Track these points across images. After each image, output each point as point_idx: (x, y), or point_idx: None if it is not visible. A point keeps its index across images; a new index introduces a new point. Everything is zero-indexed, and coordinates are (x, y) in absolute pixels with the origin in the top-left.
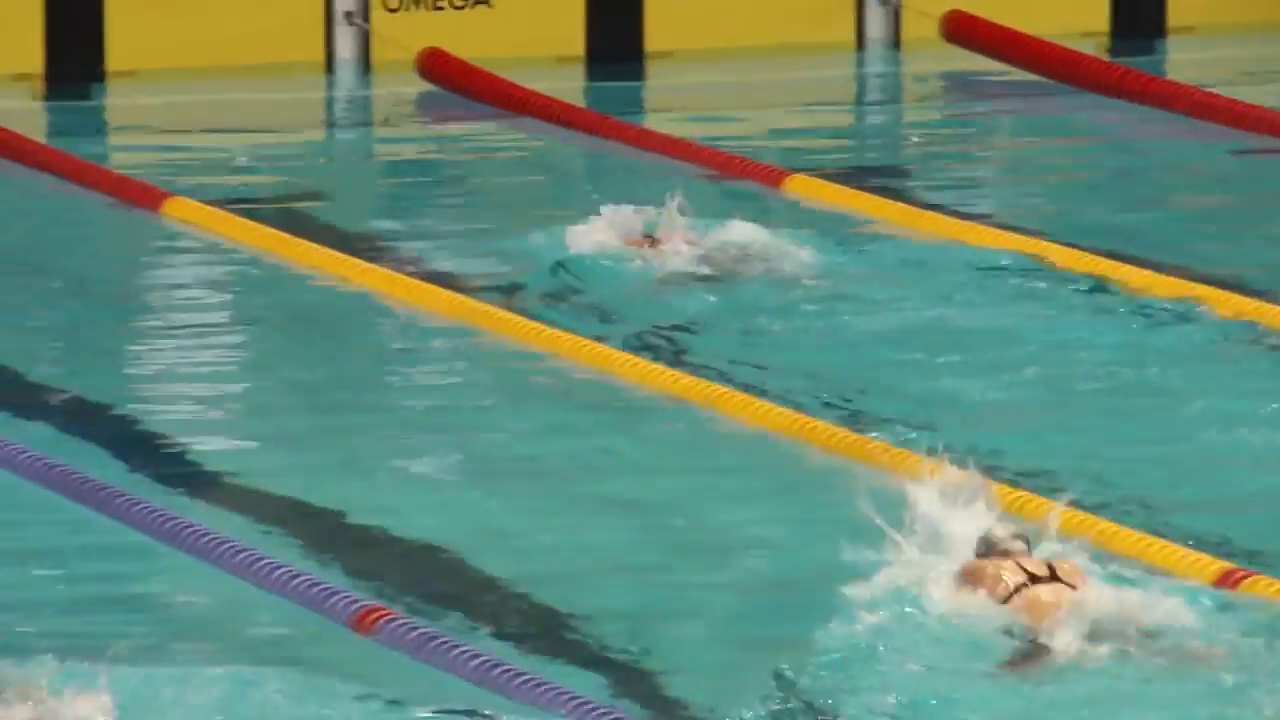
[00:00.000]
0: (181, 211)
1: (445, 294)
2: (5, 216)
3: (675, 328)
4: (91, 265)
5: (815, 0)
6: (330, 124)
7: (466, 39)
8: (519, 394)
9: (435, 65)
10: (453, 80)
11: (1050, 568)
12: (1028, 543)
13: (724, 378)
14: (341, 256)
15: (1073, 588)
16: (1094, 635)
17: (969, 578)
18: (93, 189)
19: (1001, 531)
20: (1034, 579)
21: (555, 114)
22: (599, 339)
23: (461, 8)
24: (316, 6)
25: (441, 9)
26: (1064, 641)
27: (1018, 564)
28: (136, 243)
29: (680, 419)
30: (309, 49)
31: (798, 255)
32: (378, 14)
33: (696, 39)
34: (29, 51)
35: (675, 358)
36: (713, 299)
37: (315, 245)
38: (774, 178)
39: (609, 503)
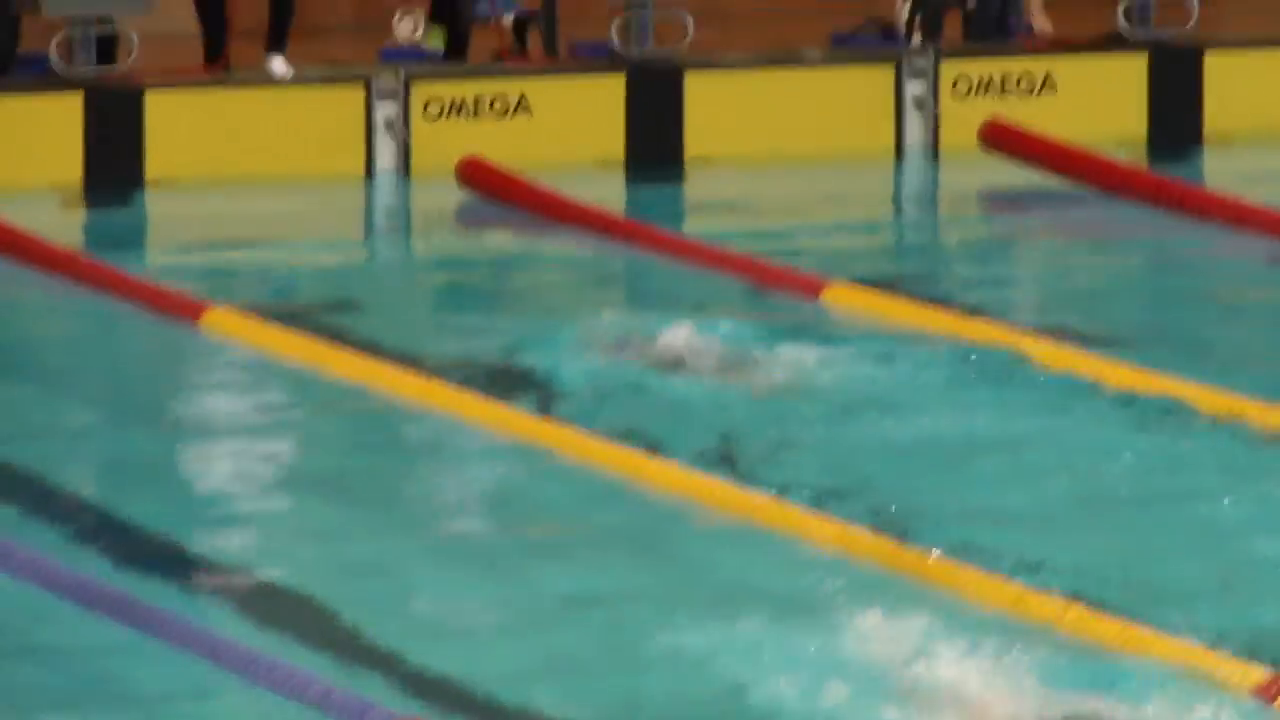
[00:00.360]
0: (221, 322)
1: (484, 403)
2: (43, 328)
3: (707, 434)
4: (129, 377)
5: (855, 107)
6: (370, 232)
7: (506, 146)
8: (551, 503)
9: (474, 173)
10: (492, 188)
11: None
12: None
13: (756, 483)
14: (380, 365)
15: None
16: None
17: None
18: (131, 300)
19: None
20: None
21: (595, 221)
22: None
23: (501, 116)
24: (358, 116)
25: (481, 117)
26: None
27: None
28: (175, 354)
29: (722, 530)
30: (350, 158)
31: (830, 364)
32: (417, 123)
33: (736, 145)
34: (68, 161)
35: (712, 465)
36: (743, 407)
37: (354, 355)
38: (813, 286)
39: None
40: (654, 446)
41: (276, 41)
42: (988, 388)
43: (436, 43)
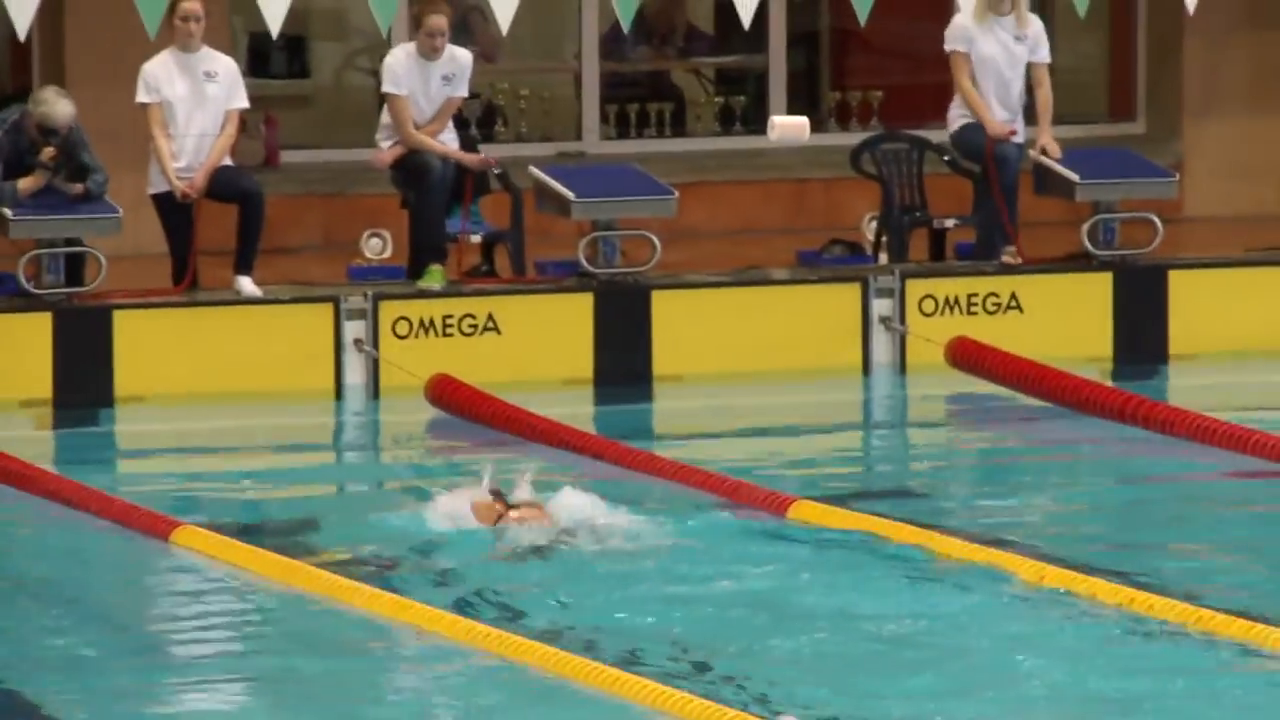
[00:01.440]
0: (190, 540)
1: (458, 621)
2: (12, 544)
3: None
4: (99, 594)
5: (822, 325)
6: (338, 449)
7: (476, 365)
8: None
9: (444, 391)
10: (461, 405)
11: None
12: None
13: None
14: (346, 582)
15: None
16: None
17: None
18: (101, 517)
19: None
20: None
21: (562, 439)
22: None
23: (470, 334)
24: (327, 334)
25: (450, 335)
26: None
27: None
28: (144, 571)
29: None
30: (319, 375)
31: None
32: (387, 340)
33: (704, 363)
34: (38, 379)
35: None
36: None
37: (320, 571)
38: (779, 504)
39: None
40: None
41: (245, 262)
42: (955, 596)
43: (434, 281)
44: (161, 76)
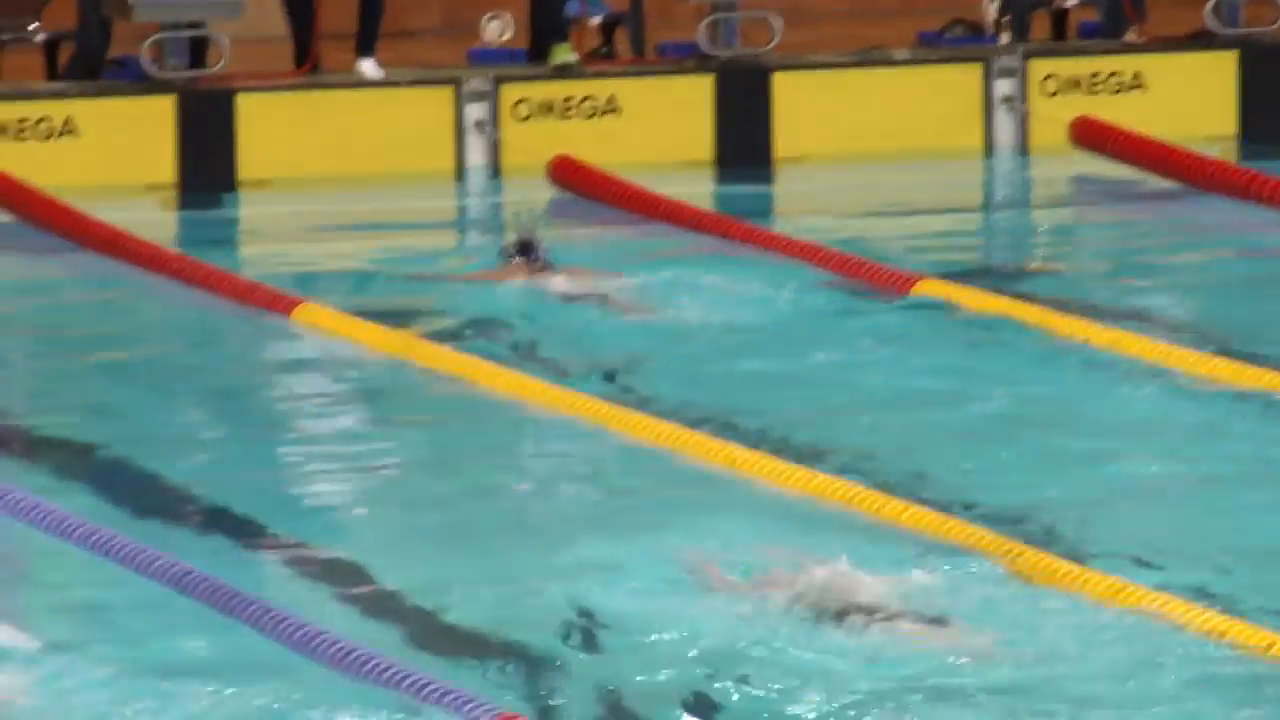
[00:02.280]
0: (310, 317)
1: (571, 395)
2: (138, 325)
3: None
4: (221, 371)
5: (943, 106)
6: (461, 229)
7: (596, 146)
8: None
9: (565, 171)
10: (583, 186)
11: None
12: None
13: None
14: (470, 359)
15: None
16: None
17: None
18: (224, 296)
19: None
20: None
21: (683, 217)
22: None
23: (590, 116)
24: (447, 116)
25: (570, 117)
26: None
27: None
28: (266, 348)
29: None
30: (441, 158)
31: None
32: (507, 123)
33: (824, 144)
34: (162, 162)
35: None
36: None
37: (443, 348)
38: (901, 283)
39: None
40: None
41: (366, 44)
42: (1075, 375)
43: (565, 55)
44: None
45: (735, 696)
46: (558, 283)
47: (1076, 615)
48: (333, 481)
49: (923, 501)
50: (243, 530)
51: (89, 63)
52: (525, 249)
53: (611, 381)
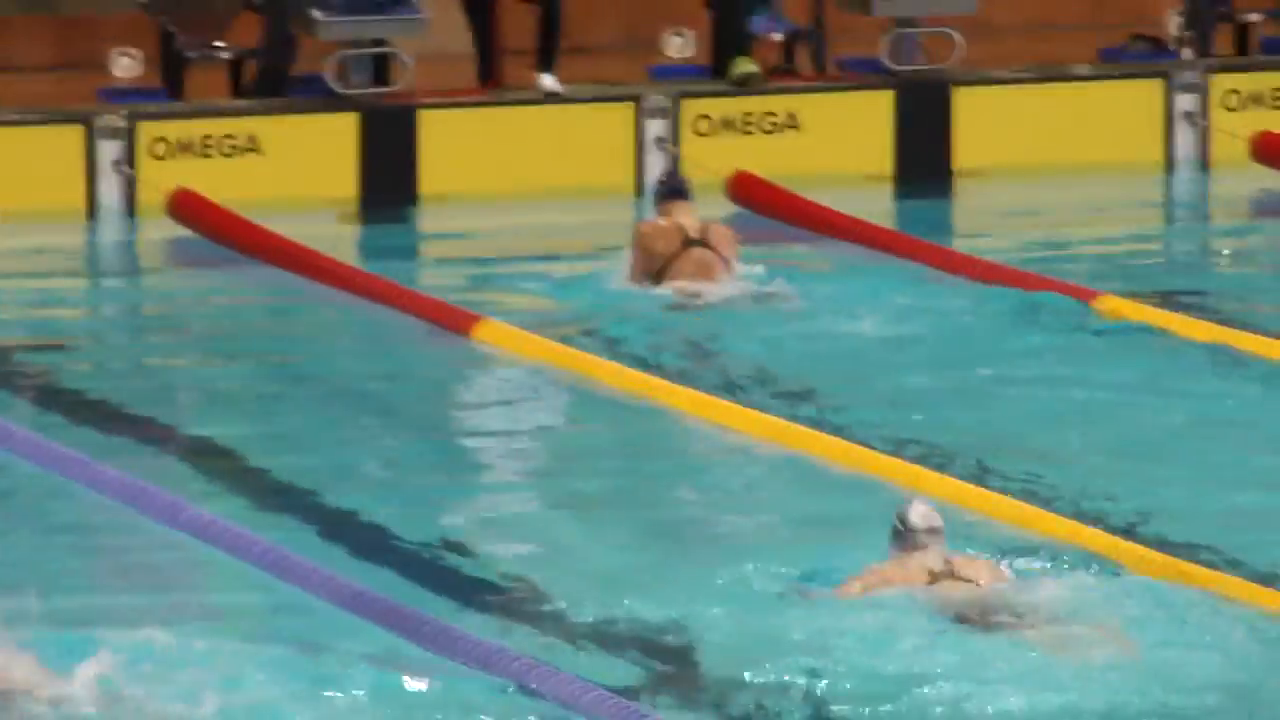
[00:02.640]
0: (492, 334)
1: (751, 414)
2: (319, 340)
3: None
4: (404, 393)
5: (1124, 121)
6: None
7: (776, 162)
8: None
9: (744, 187)
10: (762, 202)
11: (951, 565)
12: (940, 535)
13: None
14: (646, 377)
15: (976, 584)
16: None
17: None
18: (405, 311)
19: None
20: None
21: (862, 233)
22: None
23: (770, 131)
24: (628, 132)
25: (750, 132)
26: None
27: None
28: (447, 367)
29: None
30: (620, 173)
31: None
32: (687, 138)
33: (1004, 158)
34: (344, 177)
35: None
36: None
37: (623, 366)
38: (1083, 297)
39: None
40: None
41: (546, 60)
42: (1257, 389)
43: (748, 66)
44: None
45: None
46: (736, 300)
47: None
48: (510, 501)
49: (1103, 521)
50: (417, 548)
51: (274, 80)
52: (675, 188)
53: (787, 398)
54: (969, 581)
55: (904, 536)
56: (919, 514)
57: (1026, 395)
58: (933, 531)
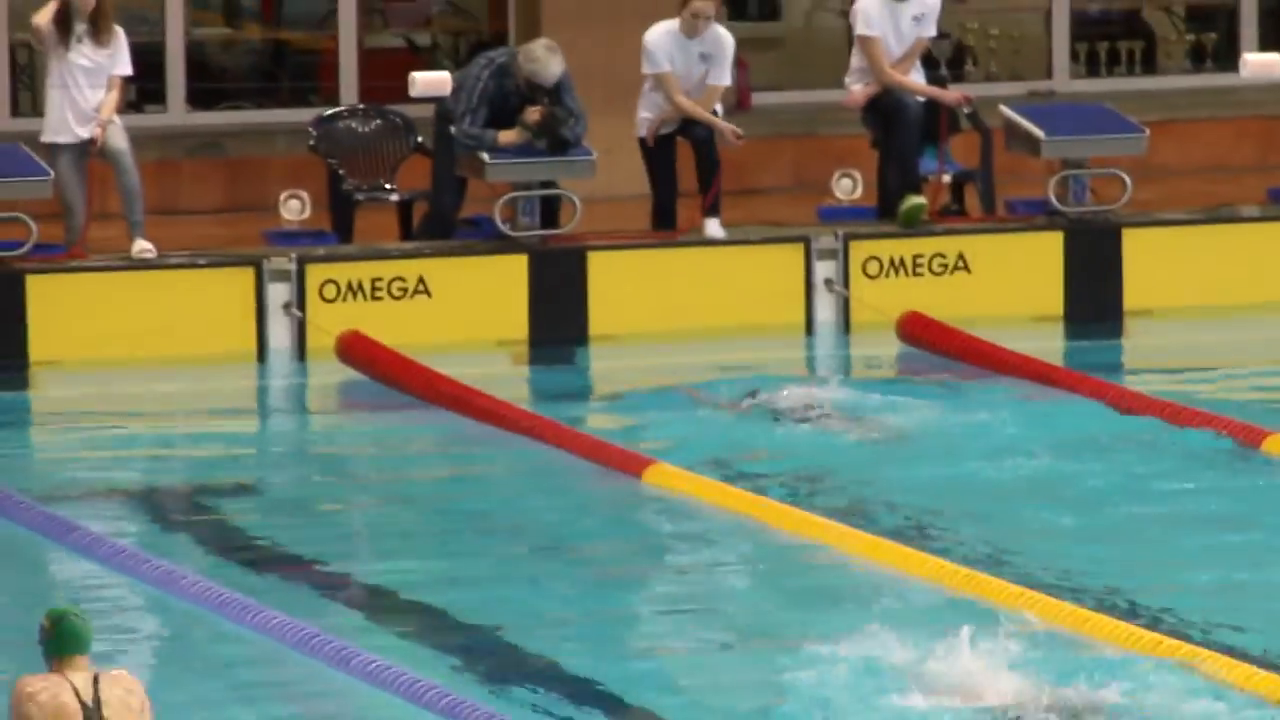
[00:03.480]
0: (663, 478)
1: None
2: (486, 482)
3: None
4: (580, 538)
5: None
6: (810, 383)
7: (944, 302)
8: None
9: (915, 327)
10: (932, 341)
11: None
12: None
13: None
14: (818, 518)
15: None
16: None
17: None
18: (575, 453)
19: None
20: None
21: (1031, 371)
22: None
23: (940, 273)
24: (797, 273)
25: (920, 274)
26: None
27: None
28: (620, 511)
29: None
30: (790, 313)
31: None
32: (857, 279)
33: (1174, 298)
34: (514, 318)
35: None
36: None
37: (804, 512)
38: (1254, 437)
39: None
40: None
41: (711, 204)
42: None
43: (913, 201)
44: (662, 50)
45: None
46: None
47: None
48: (681, 639)
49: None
50: (585, 690)
51: (442, 222)
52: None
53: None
54: None
55: None
56: None
57: (1183, 537)
58: None
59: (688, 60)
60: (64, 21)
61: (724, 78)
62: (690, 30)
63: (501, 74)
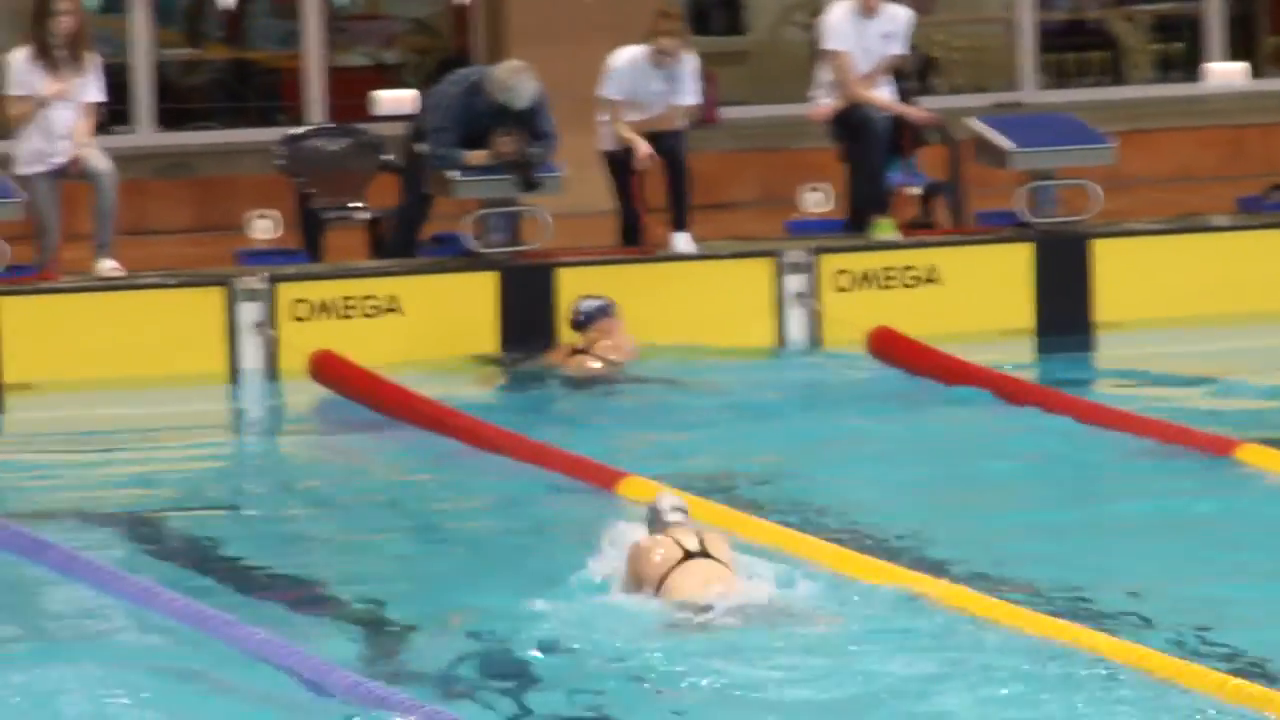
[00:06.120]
0: (636, 489)
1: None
2: (463, 499)
3: None
4: (548, 545)
5: (1265, 273)
6: (782, 406)
7: (916, 316)
8: None
9: (884, 342)
10: (902, 357)
11: (702, 542)
12: (686, 513)
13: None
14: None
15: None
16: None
17: (632, 565)
18: (550, 469)
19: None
20: (688, 555)
21: (1002, 386)
22: None
23: (911, 286)
24: (766, 288)
25: (891, 287)
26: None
27: (675, 540)
28: (595, 524)
29: None
30: (761, 329)
31: None
32: (827, 293)
33: (1144, 310)
34: (484, 335)
35: None
36: None
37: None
38: (1222, 447)
39: None
40: None
41: (679, 218)
42: None
43: (887, 231)
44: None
45: None
46: None
47: None
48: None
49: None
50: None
51: (405, 240)
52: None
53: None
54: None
55: (655, 522)
56: (667, 502)
57: (1162, 548)
58: (678, 510)
59: (648, 82)
60: (44, 54)
61: (687, 98)
62: (658, 63)
63: (473, 93)
